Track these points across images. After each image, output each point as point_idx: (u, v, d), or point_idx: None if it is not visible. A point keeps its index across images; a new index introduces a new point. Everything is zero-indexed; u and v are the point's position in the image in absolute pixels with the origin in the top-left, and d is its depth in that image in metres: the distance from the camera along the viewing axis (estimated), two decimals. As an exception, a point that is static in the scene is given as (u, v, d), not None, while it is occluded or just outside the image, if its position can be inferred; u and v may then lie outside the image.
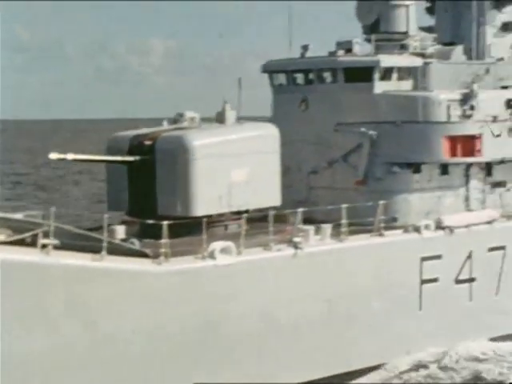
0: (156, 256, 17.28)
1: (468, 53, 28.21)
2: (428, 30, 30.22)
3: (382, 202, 21.23)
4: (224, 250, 18.17)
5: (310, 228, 20.13)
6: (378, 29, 26.40)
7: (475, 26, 28.10)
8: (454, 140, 23.00)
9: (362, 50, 25.62)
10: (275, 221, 20.71)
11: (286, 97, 25.21)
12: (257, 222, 20.30)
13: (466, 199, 24.35)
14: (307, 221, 21.94)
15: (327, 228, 20.41)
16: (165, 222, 17.34)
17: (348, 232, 20.65)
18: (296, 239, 19.57)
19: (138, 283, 16.92)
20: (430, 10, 30.23)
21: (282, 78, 25.58)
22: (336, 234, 20.54)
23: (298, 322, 19.58)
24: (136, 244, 17.79)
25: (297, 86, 25.22)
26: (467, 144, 23.18)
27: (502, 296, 23.87)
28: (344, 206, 20.56)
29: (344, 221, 20.50)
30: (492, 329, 23.84)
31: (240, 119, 22.86)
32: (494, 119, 23.70)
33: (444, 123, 23.08)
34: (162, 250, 17.20)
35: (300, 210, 20.13)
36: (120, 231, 18.34)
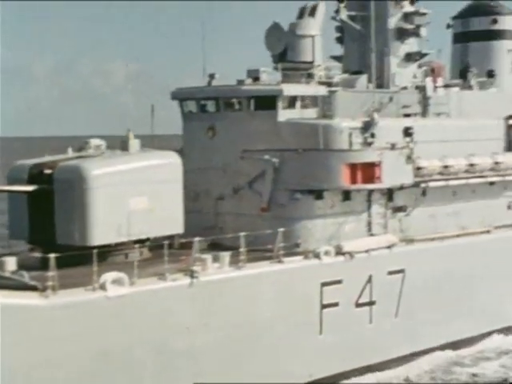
0: (45, 289, 16.35)
1: (375, 81, 28.06)
2: (338, 58, 30.08)
3: (281, 230, 20.67)
4: (116, 281, 17.31)
5: (208, 256, 19.41)
6: (286, 58, 26.06)
7: (378, 56, 27.94)
8: (354, 167, 22.60)
9: (271, 79, 25.17)
10: (181, 248, 20.10)
11: (196, 124, 24.56)
12: (162, 250, 19.49)
13: (369, 224, 23.95)
14: (215, 246, 21.46)
15: (225, 256, 19.74)
16: (52, 255, 16.47)
17: (247, 259, 20.03)
18: (192, 268, 18.83)
19: (25, 318, 15.95)
20: (340, 40, 29.99)
21: (191, 106, 24.92)
22: (235, 261, 19.87)
23: (195, 352, 18.79)
24: (25, 276, 16.79)
25: (205, 113, 24.61)
26: (367, 171, 22.81)
27: (402, 318, 23.49)
28: (242, 233, 19.96)
29: (242, 248, 19.87)
30: (392, 349, 23.43)
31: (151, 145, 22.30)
32: (393, 147, 23.36)
33: (344, 151, 22.69)
34: (50, 283, 16.27)
35: (197, 239, 19.40)
36: (10, 263, 17.32)
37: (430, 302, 24.23)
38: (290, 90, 23.32)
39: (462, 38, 33.30)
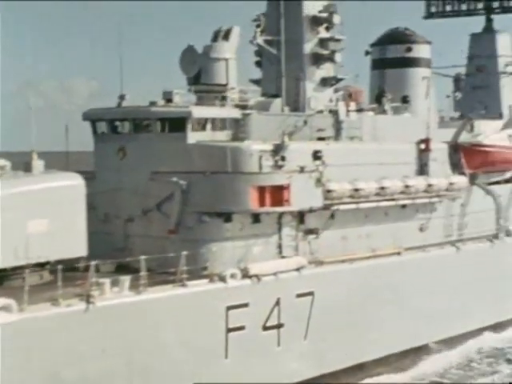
0: None
1: (292, 105, 27.38)
2: (257, 82, 29.33)
3: (184, 253, 19.62)
4: (3, 308, 15.99)
5: (106, 281, 18.23)
6: (201, 81, 25.16)
7: (294, 81, 27.29)
8: (262, 190, 21.71)
9: (185, 101, 24.24)
10: (86, 271, 18.87)
11: (107, 145, 23.42)
12: (66, 273, 18.25)
13: (279, 247, 23.08)
14: (123, 269, 20.29)
15: (125, 280, 18.59)
16: None
17: (150, 283, 18.91)
18: (89, 293, 17.62)
19: None
20: (259, 64, 29.26)
21: (103, 127, 23.78)
22: (136, 285, 18.72)
23: (90, 382, 17.52)
24: None
25: (116, 134, 23.50)
26: (276, 194, 21.95)
27: (311, 340, 22.60)
28: (143, 257, 18.86)
29: (143, 272, 18.75)
30: (301, 372, 22.51)
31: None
32: (302, 170, 22.57)
33: (252, 174, 21.82)
34: None
35: (93, 262, 18.19)
36: None
37: (340, 324, 23.44)
38: (199, 112, 22.41)
39: (380, 64, 32.99)
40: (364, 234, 25.62)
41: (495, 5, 38.99)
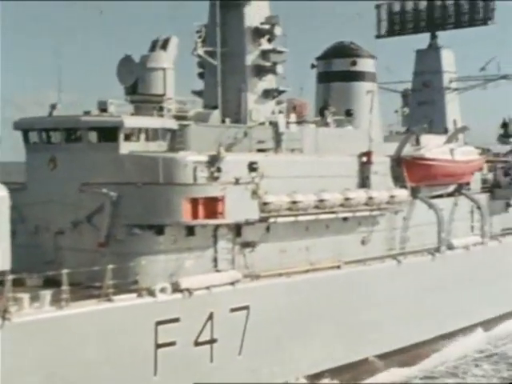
0: None
1: (233, 117, 26.40)
2: (199, 93, 28.32)
3: (110, 266, 18.48)
4: None
5: (25, 296, 16.94)
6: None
7: (236, 92, 26.35)
8: (195, 202, 20.57)
9: (120, 111, 23.07)
10: (13, 285, 17.50)
11: (38, 155, 22.11)
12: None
13: (215, 260, 21.94)
14: (53, 283, 18.95)
15: (46, 295, 17.32)
16: None
17: (75, 298, 17.66)
18: (5, 308, 16.30)
19: None
20: (202, 75, 28.25)
21: (34, 136, 22.48)
22: (58, 300, 17.45)
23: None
24: None
25: (47, 144, 22.21)
26: (209, 206, 20.82)
27: (245, 355, 21.47)
28: (65, 271, 17.67)
29: (65, 286, 17.50)
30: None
31: None
32: (237, 181, 21.50)
33: (185, 185, 20.68)
34: None
35: (11, 276, 16.85)
36: None
37: (276, 339, 22.36)
38: (131, 121, 21.29)
39: (325, 77, 32.30)
40: (304, 247, 24.63)
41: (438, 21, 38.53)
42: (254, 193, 22.00)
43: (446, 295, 29.16)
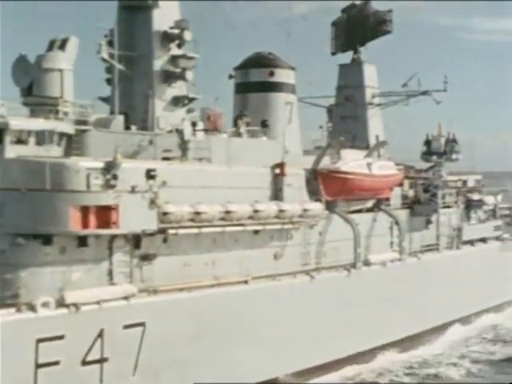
0: None
1: (139, 124, 25.14)
2: (106, 100, 26.95)
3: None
4: None
5: None
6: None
7: (143, 99, 25.13)
8: (86, 210, 19.21)
9: (14, 113, 21.51)
10: None
11: None
12: None
13: (110, 273, 20.51)
14: None
15: None
16: None
17: None
18: None
19: None
20: (110, 81, 26.89)
21: None
22: None
23: None
24: None
25: None
26: (102, 215, 19.49)
27: (140, 376, 20.05)
28: None
29: None
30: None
31: None
32: (133, 189, 20.20)
33: (73, 192, 19.29)
34: None
35: None
36: None
37: (174, 358, 20.98)
38: (18, 124, 19.85)
39: (243, 88, 31.34)
40: (210, 261, 23.42)
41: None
42: (153, 202, 20.73)
43: (361, 312, 28.30)
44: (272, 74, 30.60)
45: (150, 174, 20.79)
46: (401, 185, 35.14)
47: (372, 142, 37.08)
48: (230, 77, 31.89)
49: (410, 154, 43.00)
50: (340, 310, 27.28)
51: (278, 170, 26.39)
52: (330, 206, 28.71)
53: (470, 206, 39.28)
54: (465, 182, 40.28)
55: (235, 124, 28.61)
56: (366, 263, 29.36)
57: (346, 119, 37.48)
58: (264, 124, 29.15)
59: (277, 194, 26.33)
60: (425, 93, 36.69)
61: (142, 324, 20.07)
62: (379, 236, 31.62)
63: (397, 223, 31.93)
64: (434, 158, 42.23)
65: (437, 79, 38.35)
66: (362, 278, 28.78)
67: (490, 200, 40.19)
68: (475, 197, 39.58)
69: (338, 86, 38.26)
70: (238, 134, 27.54)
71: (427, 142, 42.20)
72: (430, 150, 41.72)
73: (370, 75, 37.89)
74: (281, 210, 25.19)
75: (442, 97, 37.86)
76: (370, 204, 31.77)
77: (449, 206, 36.40)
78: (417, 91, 36.86)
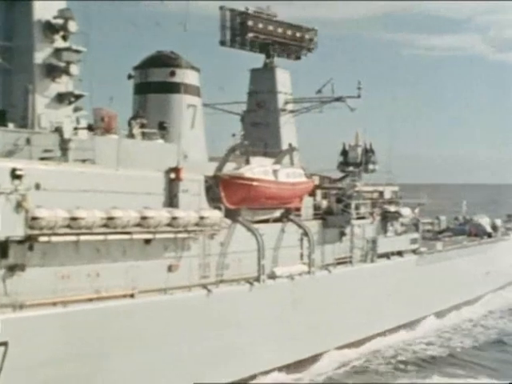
0: None
1: (19, 121, 22.88)
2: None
3: None
4: None
5: None
6: None
7: (23, 94, 22.90)
8: None
9: None
10: None
11: None
12: None
13: (-32, 286, 18.18)
14: None
15: None
16: None
17: None
18: None
19: None
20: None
21: None
22: None
23: None
24: None
25: None
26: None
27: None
28: None
29: None
30: None
31: None
32: (-5, 190, 18.00)
33: None
34: None
35: None
36: None
37: (44, 381, 18.71)
38: None
39: (142, 88, 29.40)
40: (93, 273, 21.29)
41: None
42: (19, 205, 18.54)
43: (264, 329, 26.57)
44: (173, 73, 28.74)
45: (15, 174, 18.58)
46: (313, 194, 33.80)
47: (284, 148, 35.57)
48: (130, 76, 29.88)
49: (329, 163, 41.93)
50: (240, 327, 25.49)
51: (173, 175, 24.54)
52: (232, 215, 27.01)
53: (386, 217, 38.25)
54: (381, 193, 39.22)
55: (129, 125, 26.65)
56: (272, 276, 27.70)
57: (258, 126, 35.93)
58: (162, 126, 27.23)
59: (171, 201, 24.47)
60: (339, 99, 35.48)
61: (4, 344, 17.80)
62: (288, 248, 30.06)
63: (306, 234, 30.41)
64: (351, 168, 41.37)
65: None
66: (266, 292, 27.06)
67: (406, 212, 39.19)
68: (392, 208, 38.55)
69: (249, 92, 36.72)
70: (131, 136, 25.58)
71: (344, 152, 41.20)
72: (346, 161, 40.71)
73: (283, 81, 36.44)
74: (173, 218, 23.30)
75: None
76: (278, 214, 30.24)
77: (363, 218, 35.22)
78: (330, 97, 35.62)
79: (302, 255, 30.91)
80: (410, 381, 28.60)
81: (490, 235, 54.66)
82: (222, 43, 36.55)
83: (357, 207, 34.29)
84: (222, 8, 36.13)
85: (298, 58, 38.07)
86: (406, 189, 43.32)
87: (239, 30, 35.28)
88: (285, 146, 35.82)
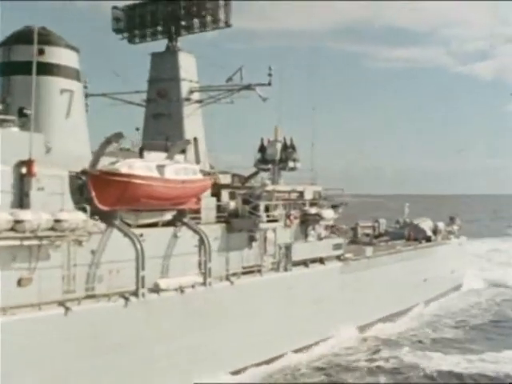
0: None
1: None
2: None
3: None
4: None
5: None
6: None
7: None
8: None
9: None
10: None
11: None
12: None
13: None
14: None
15: None
16: None
17: None
18: None
19: None
20: None
21: None
22: None
23: None
24: None
25: None
26: None
27: None
28: None
29: None
30: None
31: None
32: None
33: None
34: None
35: None
36: None
37: None
38: None
39: (6, 69, 25.27)
40: None
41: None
42: None
43: (143, 352, 22.74)
44: (42, 52, 24.66)
45: None
46: (217, 194, 30.11)
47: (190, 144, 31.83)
48: (-6, 56, 25.82)
49: (246, 161, 38.36)
50: (111, 350, 21.62)
51: (24, 170, 20.63)
52: (107, 218, 23.15)
53: (306, 220, 34.75)
54: (301, 194, 35.70)
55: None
56: (155, 289, 23.91)
57: (159, 117, 32.08)
58: (21, 113, 23.17)
59: (21, 200, 20.54)
60: (248, 87, 31.81)
61: None
62: (182, 256, 26.29)
63: (201, 240, 26.65)
64: (270, 166, 37.89)
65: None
66: (147, 308, 23.26)
67: (329, 214, 35.65)
68: (313, 210, 35.02)
69: (149, 79, 32.80)
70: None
71: (262, 148, 37.70)
72: (264, 158, 37.22)
73: (188, 67, 32.56)
74: (17, 221, 19.37)
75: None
76: (169, 216, 26.45)
77: (276, 221, 31.60)
78: (239, 85, 31.92)
79: (200, 264, 27.22)
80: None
81: (429, 239, 51.73)
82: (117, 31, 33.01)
83: (267, 209, 30.64)
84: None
85: (204, 29, 33.56)
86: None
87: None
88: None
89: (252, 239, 30.59)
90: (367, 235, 53.09)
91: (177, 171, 25.40)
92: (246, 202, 30.16)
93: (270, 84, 31.26)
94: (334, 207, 36.73)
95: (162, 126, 31.76)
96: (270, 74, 31.01)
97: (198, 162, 32.19)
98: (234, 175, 33.61)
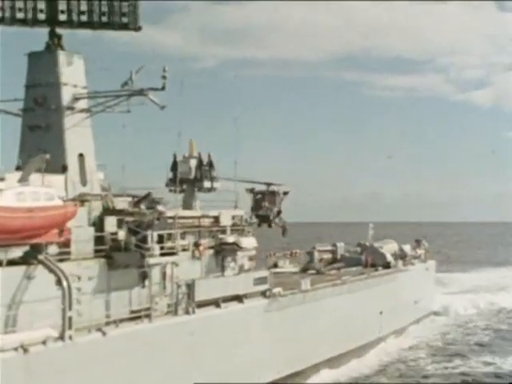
0: None
1: None
2: None
3: None
4: None
5: None
6: None
7: None
8: None
9: None
10: None
11: None
12: None
13: None
14: None
15: None
16: None
17: None
18: None
19: None
20: None
21: None
22: None
23: None
24: None
25: None
26: None
27: None
28: None
29: None
30: None
31: None
32: None
33: None
34: None
35: None
36: None
37: None
38: None
39: None
40: None
41: (62, 17, 27.61)
42: None
43: None
44: None
45: None
46: (99, 224, 25.06)
47: (71, 160, 26.71)
48: None
49: (159, 180, 33.35)
50: None
51: None
52: None
53: (222, 250, 29.72)
54: (216, 220, 30.64)
55: None
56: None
57: (36, 130, 26.96)
58: None
59: None
60: (140, 92, 26.82)
61: None
62: (33, 303, 21.18)
63: (59, 282, 21.52)
64: (185, 186, 32.92)
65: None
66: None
67: (250, 243, 30.59)
68: (230, 239, 29.99)
69: (26, 84, 27.70)
70: None
71: (174, 166, 32.74)
72: (176, 177, 32.22)
73: (73, 69, 27.47)
74: None
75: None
76: (19, 253, 21.36)
77: (174, 254, 26.42)
78: (129, 90, 26.92)
79: (64, 311, 22.06)
80: None
81: (388, 265, 46.64)
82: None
83: (160, 239, 25.43)
84: None
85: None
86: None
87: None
88: (73, 157, 26.94)
89: (144, 277, 25.56)
90: (321, 260, 48.33)
91: (20, 197, 20.32)
92: (133, 232, 25.10)
93: (163, 88, 26.24)
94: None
95: (40, 140, 26.66)
96: (163, 77, 25.99)
97: (83, 183, 27.21)
98: (133, 198, 28.62)
